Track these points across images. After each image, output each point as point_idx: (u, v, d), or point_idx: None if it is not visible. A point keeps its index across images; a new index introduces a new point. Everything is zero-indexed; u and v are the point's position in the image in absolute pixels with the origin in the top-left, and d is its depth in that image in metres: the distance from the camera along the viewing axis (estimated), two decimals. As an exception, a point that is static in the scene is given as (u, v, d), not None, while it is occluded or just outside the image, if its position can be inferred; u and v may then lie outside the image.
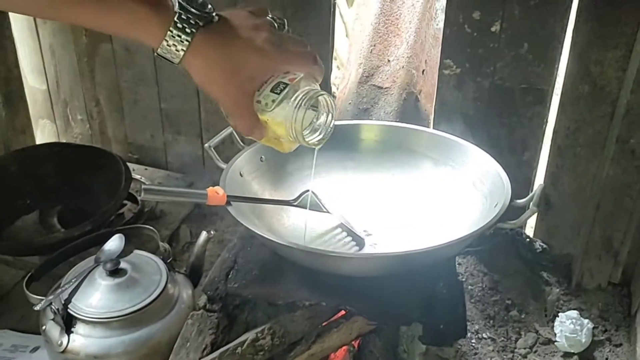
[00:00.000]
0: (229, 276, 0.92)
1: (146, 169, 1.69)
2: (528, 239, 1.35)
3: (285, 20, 0.71)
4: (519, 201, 0.91)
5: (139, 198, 0.82)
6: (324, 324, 0.96)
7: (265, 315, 0.96)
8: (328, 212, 0.98)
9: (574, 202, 1.26)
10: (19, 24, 1.63)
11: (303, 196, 0.98)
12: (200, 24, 0.62)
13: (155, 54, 0.63)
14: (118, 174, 1.42)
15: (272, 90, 0.66)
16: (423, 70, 1.31)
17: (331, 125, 0.73)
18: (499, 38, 1.16)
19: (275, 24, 0.69)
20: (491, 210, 0.92)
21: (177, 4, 0.62)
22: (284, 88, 0.66)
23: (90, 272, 1.01)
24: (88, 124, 1.74)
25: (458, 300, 0.87)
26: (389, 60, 1.28)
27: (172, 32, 0.61)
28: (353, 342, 1.00)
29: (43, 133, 1.79)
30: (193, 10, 0.62)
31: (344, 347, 1.00)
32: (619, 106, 1.09)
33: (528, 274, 1.31)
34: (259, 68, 0.66)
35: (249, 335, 0.90)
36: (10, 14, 1.54)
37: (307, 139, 0.71)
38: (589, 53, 1.11)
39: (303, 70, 0.68)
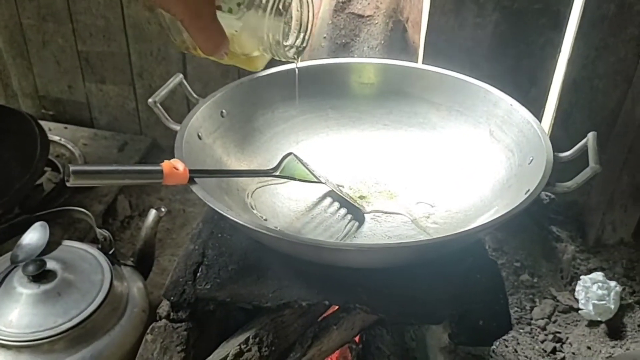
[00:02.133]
0: (198, 275, 0.75)
1: (66, 127, 1.46)
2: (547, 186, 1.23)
3: None
4: (562, 154, 0.77)
5: (67, 183, 0.61)
6: (319, 320, 0.81)
7: (246, 317, 0.79)
8: (318, 180, 0.80)
9: (587, 144, 1.14)
10: None
11: (284, 162, 0.79)
12: None
13: None
14: (30, 138, 1.20)
15: None
16: (409, -8, 1.13)
17: (309, 30, 0.63)
18: (509, -53, 0.98)
19: None
20: (524, 168, 0.79)
21: None
22: None
23: (5, 277, 0.80)
24: (-15, 75, 1.47)
25: (497, 286, 0.72)
26: (368, -19, 1.08)
27: None
28: (355, 338, 0.86)
29: None
30: None
31: (345, 346, 0.85)
32: (661, 29, 0.95)
33: (535, 230, 1.20)
34: None
35: (230, 349, 0.74)
36: None
37: (285, 50, 0.61)
38: (618, -37, 0.96)
39: None
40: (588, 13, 1.02)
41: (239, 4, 0.55)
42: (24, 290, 0.79)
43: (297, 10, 0.61)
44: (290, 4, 0.58)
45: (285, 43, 0.61)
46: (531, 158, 0.77)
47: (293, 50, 0.63)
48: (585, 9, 1.02)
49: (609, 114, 1.11)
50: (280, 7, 0.57)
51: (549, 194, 1.24)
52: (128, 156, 1.39)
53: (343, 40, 1.07)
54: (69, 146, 1.39)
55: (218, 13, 0.56)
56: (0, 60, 1.45)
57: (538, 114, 1.16)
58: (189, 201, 1.32)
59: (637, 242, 1.15)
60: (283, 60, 0.62)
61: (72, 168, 0.61)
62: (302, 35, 0.63)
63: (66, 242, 0.90)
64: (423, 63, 1.16)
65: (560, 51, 1.09)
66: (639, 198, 1.09)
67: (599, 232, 1.15)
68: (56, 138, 1.39)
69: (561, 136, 1.16)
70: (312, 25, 0.63)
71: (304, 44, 0.64)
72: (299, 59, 0.65)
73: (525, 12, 1.04)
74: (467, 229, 0.64)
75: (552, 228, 1.20)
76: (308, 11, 0.62)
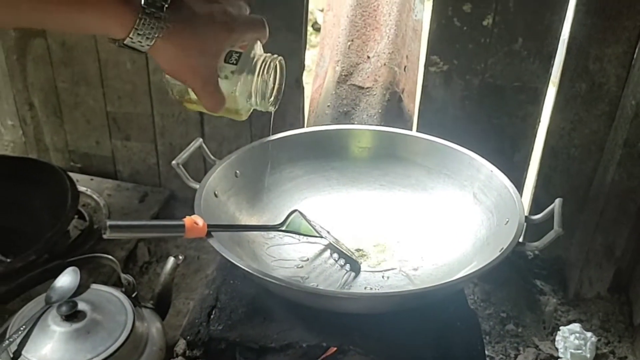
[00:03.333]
0: (212, 317, 0.82)
1: (92, 179, 1.56)
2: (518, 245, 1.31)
3: None
4: (534, 217, 0.86)
5: (104, 236, 0.70)
6: (319, 360, 0.88)
7: (254, 355, 0.87)
8: (319, 235, 0.89)
9: (567, 205, 1.22)
10: None
11: (290, 218, 0.88)
12: (166, 5, 0.60)
13: (121, 44, 0.61)
14: (61, 190, 1.29)
15: (226, 61, 0.68)
16: (405, 67, 1.24)
17: (283, 86, 0.75)
18: (491, 32, 1.10)
19: None
20: (501, 227, 0.87)
21: None
22: (238, 57, 0.68)
23: (40, 316, 0.88)
24: (21, 131, 1.59)
25: (475, 333, 0.80)
26: (368, 57, 1.20)
27: (142, 18, 0.59)
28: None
29: (-33, 142, 1.62)
30: None
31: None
32: (624, 108, 1.06)
33: (521, 283, 1.27)
34: (225, 42, 0.66)
35: (239, 386, 0.80)
36: None
37: (267, 104, 0.73)
38: (588, 49, 1.07)
39: (257, 36, 0.70)
40: (562, 91, 1.12)
41: (232, 72, 0.67)
42: (57, 328, 0.87)
43: (275, 71, 0.73)
44: (271, 67, 0.70)
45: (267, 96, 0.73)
46: (507, 220, 0.85)
47: (272, 100, 0.75)
48: (560, 87, 1.12)
49: (585, 179, 1.20)
50: (264, 70, 0.69)
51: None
52: (148, 206, 1.48)
53: (345, 109, 1.17)
54: (95, 196, 1.48)
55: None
56: (34, 118, 1.55)
57: (521, 177, 1.26)
58: (203, 249, 1.40)
59: (612, 297, 1.22)
60: (264, 110, 0.75)
61: (109, 223, 0.70)
62: (277, 88, 0.75)
63: (94, 286, 0.98)
64: (417, 130, 1.26)
65: (539, 122, 1.19)
66: (612, 256, 1.17)
67: (578, 286, 1.22)
68: (83, 189, 1.48)
69: (543, 197, 1.25)
70: (283, 80, 0.75)
71: (279, 96, 0.75)
72: (276, 107, 0.76)
73: (506, 89, 1.14)
74: (441, 283, 0.73)
75: (536, 282, 1.28)
76: (282, 69, 0.74)
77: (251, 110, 0.74)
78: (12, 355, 0.84)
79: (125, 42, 0.61)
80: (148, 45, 0.61)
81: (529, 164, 1.24)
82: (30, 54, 1.45)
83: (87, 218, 1.40)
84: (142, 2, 0.59)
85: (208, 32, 0.64)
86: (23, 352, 0.85)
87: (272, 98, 0.74)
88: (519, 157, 1.22)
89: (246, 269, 0.73)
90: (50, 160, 1.58)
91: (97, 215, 1.46)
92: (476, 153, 0.95)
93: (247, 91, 0.70)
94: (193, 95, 0.71)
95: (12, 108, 1.56)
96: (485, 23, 1.09)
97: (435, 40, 1.14)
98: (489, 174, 0.93)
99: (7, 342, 0.85)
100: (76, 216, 1.39)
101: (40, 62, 1.46)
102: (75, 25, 0.61)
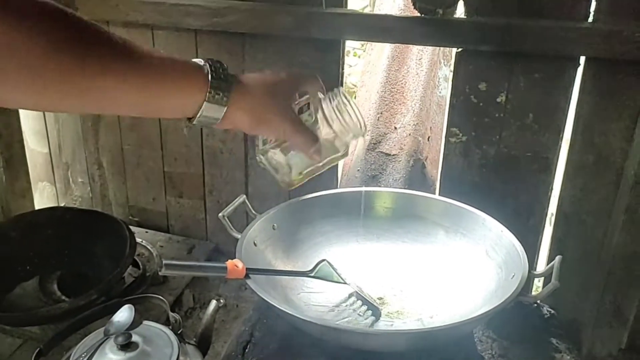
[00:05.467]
0: (246, 350, 0.91)
1: (147, 231, 1.68)
2: (535, 304, 1.35)
3: None
4: (537, 273, 0.92)
5: (159, 274, 0.80)
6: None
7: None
8: (345, 282, 0.97)
9: (581, 268, 1.27)
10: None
11: (319, 266, 0.97)
12: (231, 79, 0.67)
13: (192, 124, 0.67)
14: (121, 239, 1.41)
15: (299, 113, 0.76)
16: (428, 137, 1.34)
17: (360, 111, 0.80)
18: (505, 108, 1.19)
19: None
20: (508, 281, 0.93)
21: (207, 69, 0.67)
22: (308, 105, 0.77)
23: (99, 346, 0.98)
24: (89, 187, 1.74)
25: (481, 376, 0.85)
26: (395, 128, 1.31)
27: (210, 92, 0.65)
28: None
29: (42, 195, 1.78)
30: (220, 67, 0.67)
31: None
32: (626, 177, 1.12)
33: (537, 341, 1.30)
34: (290, 85, 0.74)
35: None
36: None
37: (359, 132, 0.79)
38: (593, 124, 1.14)
39: (314, 89, 0.78)
40: (571, 161, 1.18)
41: (309, 115, 0.77)
42: (113, 357, 0.96)
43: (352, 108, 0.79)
44: (342, 102, 0.77)
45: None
46: (513, 274, 0.92)
47: (363, 128, 0.80)
48: (569, 158, 1.19)
49: (597, 244, 1.23)
50: (340, 107, 0.77)
51: (550, 309, 1.36)
52: (195, 257, 1.58)
53: (373, 173, 1.27)
54: (149, 247, 1.59)
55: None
56: (102, 176, 1.70)
57: (537, 240, 1.31)
58: (242, 298, 1.49)
59: (625, 356, 1.24)
60: (358, 137, 0.80)
61: (165, 262, 0.81)
62: (357, 117, 0.80)
63: (146, 322, 1.07)
64: (439, 194, 1.34)
65: (552, 189, 1.25)
66: (621, 316, 1.20)
67: (590, 345, 1.24)
68: (138, 240, 1.59)
69: (558, 260, 1.30)
70: (357, 107, 0.79)
71: (363, 122, 0.80)
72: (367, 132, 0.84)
73: (519, 158, 1.22)
74: (448, 324, 0.80)
75: (552, 340, 1.31)
76: (349, 101, 0.79)
77: (347, 147, 0.80)
78: (73, 378, 0.94)
79: (196, 122, 0.67)
80: (219, 117, 0.67)
81: (543, 228, 1.30)
82: (103, 120, 1.61)
83: (141, 266, 1.50)
84: (210, 76, 0.65)
85: (276, 82, 0.71)
86: (83, 376, 0.94)
87: (361, 126, 0.79)
88: (533, 221, 1.28)
89: (278, 306, 0.82)
90: (113, 213, 1.71)
91: (150, 265, 1.56)
92: (493, 216, 1.03)
93: (332, 131, 0.77)
94: (295, 172, 0.80)
95: (83, 167, 1.71)
96: (499, 100, 1.19)
97: (455, 114, 1.23)
98: (499, 234, 1.01)
99: (70, 366, 0.95)
100: (130, 264, 1.50)
101: (110, 128, 1.61)
102: (150, 114, 0.66)
